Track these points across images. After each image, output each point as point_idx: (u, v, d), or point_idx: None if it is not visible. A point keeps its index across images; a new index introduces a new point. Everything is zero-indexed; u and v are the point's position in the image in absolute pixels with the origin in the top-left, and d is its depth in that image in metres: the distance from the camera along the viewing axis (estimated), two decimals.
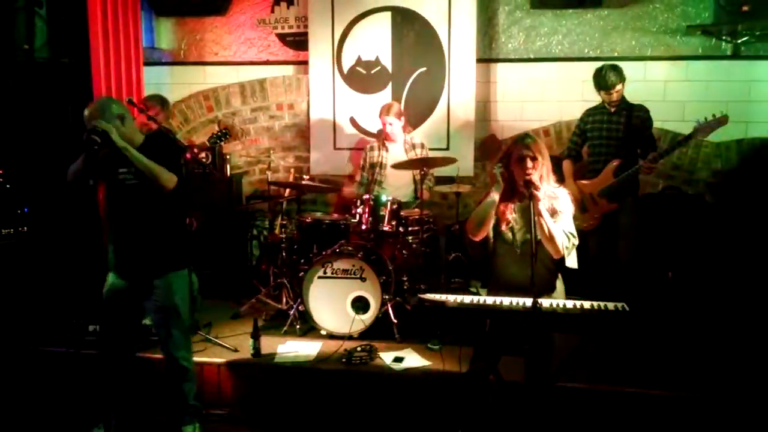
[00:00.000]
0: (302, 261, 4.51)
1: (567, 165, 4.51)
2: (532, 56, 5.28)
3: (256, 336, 3.85)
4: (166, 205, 3.15)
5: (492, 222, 3.04)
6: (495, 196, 3.01)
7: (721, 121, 3.97)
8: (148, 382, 3.59)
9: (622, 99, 4.29)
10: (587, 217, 4.32)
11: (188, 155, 4.23)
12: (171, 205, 3.17)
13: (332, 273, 4.15)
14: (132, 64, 5.26)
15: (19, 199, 4.46)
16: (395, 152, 4.95)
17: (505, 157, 3.10)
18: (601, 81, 4.24)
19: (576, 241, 3.00)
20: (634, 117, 4.24)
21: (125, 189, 3.08)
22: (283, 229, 4.71)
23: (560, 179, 4.36)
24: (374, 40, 5.38)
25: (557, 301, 2.75)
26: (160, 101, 4.55)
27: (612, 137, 4.28)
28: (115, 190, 3.12)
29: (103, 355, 3.28)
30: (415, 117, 5.34)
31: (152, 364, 3.69)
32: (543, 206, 2.91)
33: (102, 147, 2.88)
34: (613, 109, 4.29)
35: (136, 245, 3.11)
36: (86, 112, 3.03)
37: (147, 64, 5.53)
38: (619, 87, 4.20)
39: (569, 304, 2.68)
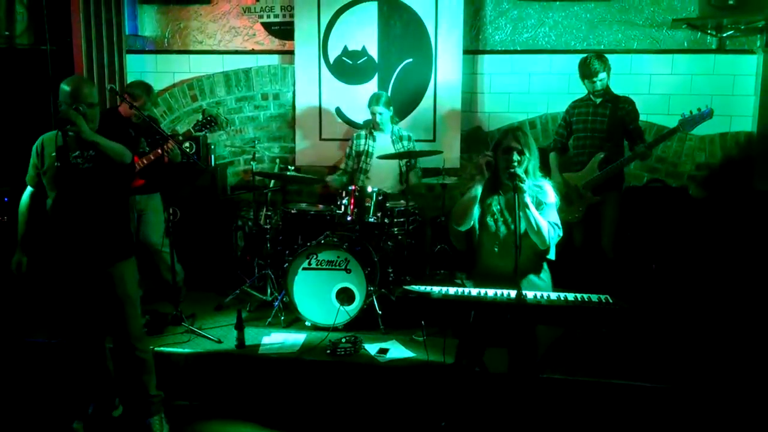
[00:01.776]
0: (287, 252, 4.49)
1: (553, 157, 4.52)
2: (518, 48, 5.27)
3: (240, 327, 3.83)
4: (117, 191, 3.12)
5: (475, 211, 3.04)
6: (479, 186, 3.01)
7: (705, 115, 4.00)
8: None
9: (608, 91, 4.29)
10: (572, 210, 4.33)
11: (171, 144, 4.18)
12: (121, 191, 3.15)
13: (317, 264, 4.14)
14: (114, 51, 5.19)
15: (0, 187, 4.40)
16: (382, 142, 4.94)
17: (493, 146, 3.10)
18: (584, 69, 4.25)
19: (561, 233, 3.01)
20: (619, 109, 4.25)
21: (78, 174, 3.00)
22: (267, 220, 4.69)
23: (546, 171, 4.38)
24: (360, 30, 5.33)
25: (541, 293, 2.76)
26: (145, 89, 4.45)
27: (596, 129, 4.29)
28: (66, 175, 3.00)
29: (70, 346, 3.23)
30: (401, 108, 5.32)
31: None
32: (528, 198, 2.91)
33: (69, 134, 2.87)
34: (598, 100, 4.30)
35: (87, 233, 3.03)
36: (70, 90, 2.95)
37: (130, 52, 5.46)
38: (602, 75, 4.20)
39: (553, 296, 2.69)
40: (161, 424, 3.24)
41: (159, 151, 4.10)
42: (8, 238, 4.36)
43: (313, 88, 5.47)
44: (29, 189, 3.21)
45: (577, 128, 4.41)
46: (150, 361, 3.25)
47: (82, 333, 3.18)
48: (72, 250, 3.06)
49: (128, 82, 5.15)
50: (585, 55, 4.31)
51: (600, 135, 4.28)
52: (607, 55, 4.30)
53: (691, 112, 4.03)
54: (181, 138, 4.35)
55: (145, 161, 4.08)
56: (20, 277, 3.20)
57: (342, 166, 5.13)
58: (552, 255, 3.04)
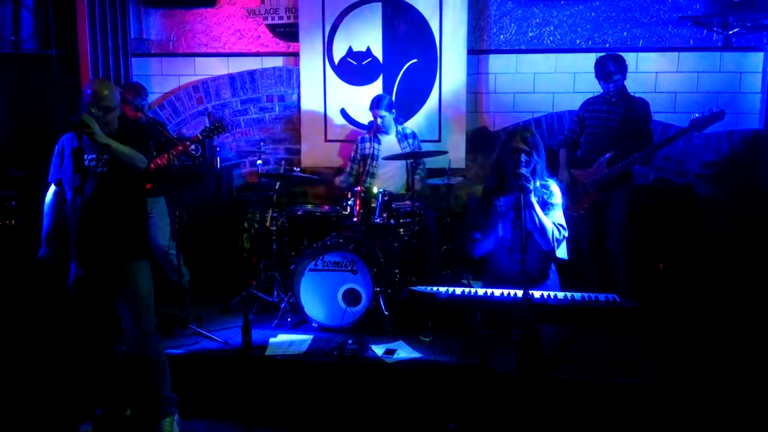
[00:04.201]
0: (293, 253, 4.49)
1: (563, 154, 4.52)
2: (523, 47, 5.26)
3: (246, 329, 3.83)
4: (133, 194, 3.14)
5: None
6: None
7: (717, 115, 3.99)
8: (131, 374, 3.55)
9: (623, 91, 4.29)
10: (578, 207, 4.33)
11: (179, 147, 4.20)
12: (137, 194, 3.17)
13: (323, 265, 4.14)
14: (120, 55, 5.21)
15: (6, 192, 4.42)
16: (387, 144, 4.94)
17: (501, 146, 3.09)
18: (599, 70, 4.27)
19: (566, 233, 3.00)
20: (633, 109, 4.25)
21: (93, 177, 3.03)
22: (273, 222, 4.69)
23: (555, 168, 4.38)
24: (365, 31, 5.33)
25: (548, 292, 2.75)
26: (135, 89, 4.42)
27: (609, 127, 4.29)
28: (81, 177, 3.01)
29: (79, 348, 3.24)
30: (406, 108, 5.32)
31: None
32: (534, 199, 2.91)
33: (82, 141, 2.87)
34: (613, 99, 4.29)
35: (102, 234, 3.06)
36: (90, 92, 2.99)
37: (135, 55, 5.48)
38: (617, 77, 4.21)
39: (560, 295, 2.68)
40: (172, 427, 3.24)
41: (166, 156, 4.12)
42: (17, 241, 4.40)
43: (318, 89, 5.48)
44: (53, 187, 3.25)
45: (590, 124, 4.40)
46: (163, 362, 3.25)
47: (94, 333, 3.19)
48: (86, 249, 3.08)
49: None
50: (591, 56, 4.33)
51: (612, 133, 4.27)
52: None
53: (703, 113, 4.01)
54: (189, 143, 4.36)
55: (152, 166, 4.09)
56: (46, 270, 3.21)
57: (347, 169, 5.13)
58: (564, 255, 3.03)
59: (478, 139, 5.38)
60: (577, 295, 2.64)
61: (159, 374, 3.23)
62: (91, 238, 3.07)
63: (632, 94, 4.33)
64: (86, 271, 3.11)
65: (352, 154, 5.09)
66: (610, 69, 4.19)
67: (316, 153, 5.57)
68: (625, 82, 4.34)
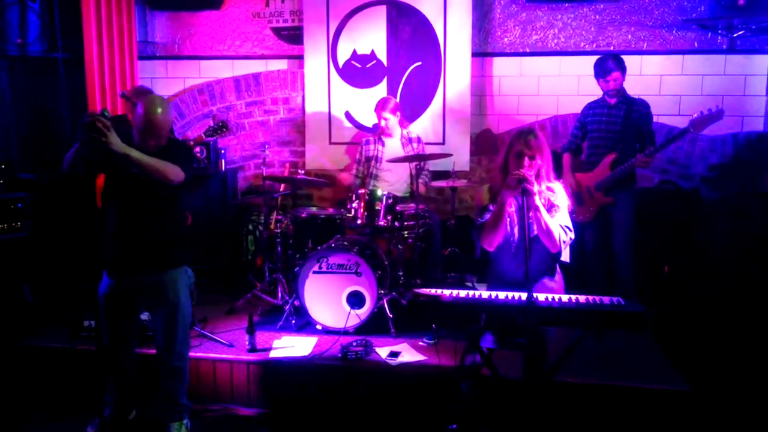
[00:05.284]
0: (297, 256, 4.50)
1: (567, 158, 4.52)
2: (528, 50, 5.26)
3: (251, 331, 3.84)
4: (174, 200, 3.11)
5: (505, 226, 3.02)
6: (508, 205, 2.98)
7: (715, 115, 3.98)
8: (143, 377, 3.57)
9: (623, 93, 4.29)
10: (583, 210, 4.32)
11: None
12: (178, 201, 3.14)
13: (327, 268, 4.14)
14: (126, 58, 5.23)
15: (14, 194, 4.43)
16: (392, 146, 4.95)
17: (506, 149, 3.09)
18: (598, 68, 4.28)
19: (572, 235, 3.00)
20: (634, 111, 4.25)
21: (136, 183, 2.96)
22: (278, 224, 4.70)
23: (559, 172, 4.37)
24: (369, 34, 5.35)
25: (553, 295, 2.75)
26: (136, 92, 4.44)
27: (611, 130, 4.29)
28: (124, 183, 2.99)
29: (101, 353, 3.23)
30: (410, 111, 5.33)
31: (148, 359, 3.67)
32: (539, 201, 2.91)
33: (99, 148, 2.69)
34: (612, 101, 4.29)
35: (143, 240, 3.04)
36: (154, 112, 2.90)
37: (141, 58, 5.50)
38: (615, 74, 4.20)
39: (565, 298, 2.68)
40: (181, 430, 3.26)
41: None
42: (24, 243, 4.42)
43: (323, 92, 5.49)
44: None
45: (592, 129, 4.41)
46: (185, 370, 3.26)
47: (118, 340, 3.18)
48: (127, 257, 3.05)
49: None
50: (596, 58, 4.32)
51: (614, 136, 4.27)
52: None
53: (701, 113, 4.01)
54: (192, 143, 4.37)
55: None
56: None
57: (353, 171, 5.15)
58: (567, 258, 3.03)
59: (483, 142, 5.39)
60: (582, 298, 2.64)
61: (180, 382, 3.25)
62: (133, 245, 3.03)
63: (632, 96, 4.32)
64: (125, 280, 3.08)
65: (357, 156, 5.10)
66: (609, 66, 4.20)
67: (320, 155, 5.58)
68: (631, 85, 4.34)
